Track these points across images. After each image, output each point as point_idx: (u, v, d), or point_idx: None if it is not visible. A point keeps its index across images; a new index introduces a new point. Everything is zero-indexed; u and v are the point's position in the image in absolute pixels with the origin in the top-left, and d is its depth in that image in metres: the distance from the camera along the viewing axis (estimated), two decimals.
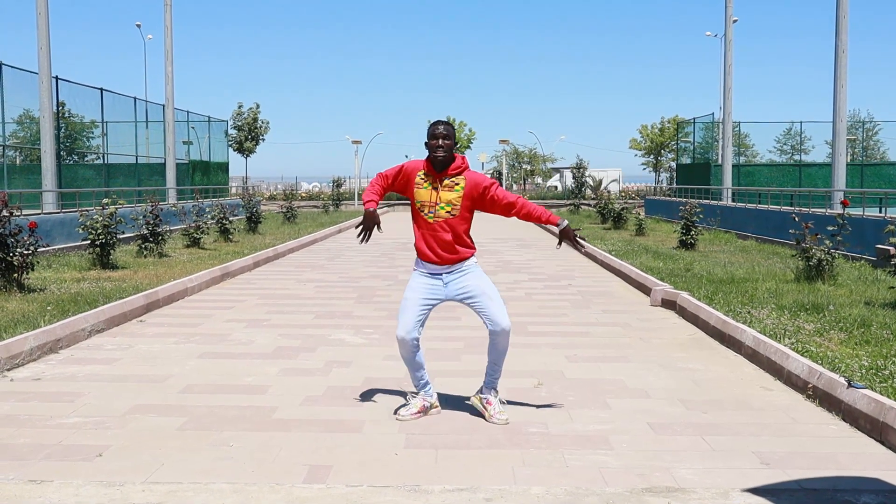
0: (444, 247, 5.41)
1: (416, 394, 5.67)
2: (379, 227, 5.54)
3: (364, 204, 5.54)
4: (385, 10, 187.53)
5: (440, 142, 5.31)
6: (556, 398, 6.08)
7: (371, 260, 16.24)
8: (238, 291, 11.83)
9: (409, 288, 5.52)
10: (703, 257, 15.48)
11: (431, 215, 5.37)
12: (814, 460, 4.75)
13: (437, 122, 5.39)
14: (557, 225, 5.56)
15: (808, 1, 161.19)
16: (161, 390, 6.26)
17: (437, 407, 5.66)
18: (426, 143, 5.38)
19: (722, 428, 5.36)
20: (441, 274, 5.46)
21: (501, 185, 32.83)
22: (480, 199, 5.45)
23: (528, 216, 5.56)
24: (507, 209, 5.52)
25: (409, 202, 5.54)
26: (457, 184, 5.38)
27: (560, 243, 5.81)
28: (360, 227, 5.53)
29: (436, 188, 5.36)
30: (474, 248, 5.58)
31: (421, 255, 5.48)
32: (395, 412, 5.58)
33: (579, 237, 5.66)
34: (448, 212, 5.36)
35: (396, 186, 5.53)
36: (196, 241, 17.57)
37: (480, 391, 5.66)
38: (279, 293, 11.59)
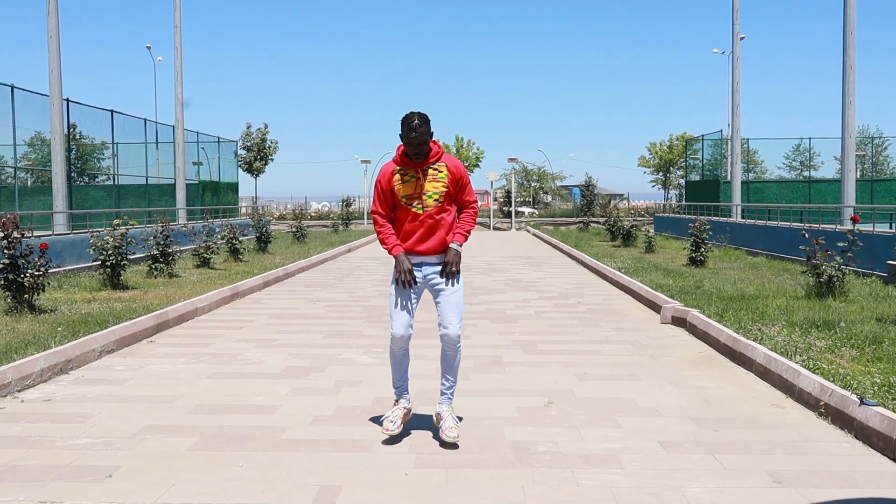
0: (433, 238, 5.39)
1: (397, 402, 5.62)
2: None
3: (390, 250, 5.44)
4: (393, 30, 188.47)
5: (414, 125, 5.19)
6: (566, 417, 6.05)
7: (380, 279, 16.25)
8: (248, 311, 11.85)
9: (393, 285, 5.47)
10: (713, 274, 15.44)
11: (420, 206, 5.33)
12: (827, 479, 4.72)
13: (411, 113, 5.26)
14: (449, 245, 5.45)
15: (816, 17, 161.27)
16: (171, 411, 6.26)
17: (411, 409, 5.71)
18: (401, 135, 5.27)
19: (733, 446, 5.33)
20: (423, 265, 5.45)
21: (511, 203, 32.54)
22: (458, 185, 5.43)
23: (461, 218, 5.51)
24: (461, 204, 5.50)
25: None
26: (439, 171, 5.35)
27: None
28: (400, 275, 5.40)
29: (418, 179, 5.32)
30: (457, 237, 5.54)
31: (408, 248, 5.42)
32: (382, 425, 5.52)
33: (453, 268, 5.41)
34: (436, 200, 5.33)
35: (390, 202, 5.46)
36: (206, 262, 17.62)
37: (438, 405, 5.58)
38: (289, 313, 11.60)
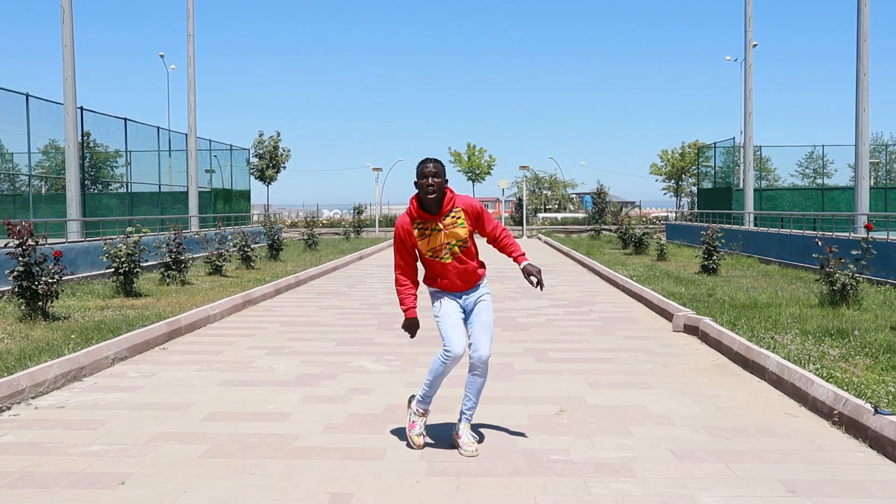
0: (465, 277, 5.42)
1: (423, 410, 5.60)
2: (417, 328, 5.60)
3: (405, 311, 5.51)
4: (405, 39, 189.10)
5: (430, 180, 5.19)
6: (578, 425, 6.04)
7: (392, 287, 16.23)
8: (260, 319, 11.87)
9: (442, 307, 5.45)
10: (726, 282, 15.38)
11: (448, 256, 5.33)
12: (841, 488, 4.69)
13: (426, 161, 5.26)
14: (519, 264, 5.53)
15: (829, 25, 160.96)
16: (183, 418, 6.28)
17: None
18: (416, 183, 5.29)
19: (746, 455, 5.31)
20: (461, 296, 5.48)
21: (522, 210, 32.46)
22: (478, 221, 5.44)
23: (503, 248, 5.59)
24: (490, 234, 5.57)
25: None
26: (458, 217, 5.33)
27: (530, 279, 5.60)
28: (411, 329, 5.56)
29: (440, 230, 5.30)
30: (485, 266, 5.60)
31: (442, 289, 5.45)
32: (412, 440, 5.51)
33: (539, 279, 5.50)
34: (461, 247, 5.34)
35: (412, 254, 5.45)
36: (218, 269, 17.66)
37: (457, 424, 5.57)
38: (300, 320, 11.62)
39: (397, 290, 5.53)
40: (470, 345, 5.41)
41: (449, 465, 5.11)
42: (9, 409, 6.54)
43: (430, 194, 5.20)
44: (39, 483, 4.81)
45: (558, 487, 4.71)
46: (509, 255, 5.60)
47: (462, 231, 5.31)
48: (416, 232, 5.33)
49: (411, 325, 5.54)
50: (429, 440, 5.60)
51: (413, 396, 5.69)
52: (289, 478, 4.89)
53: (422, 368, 8.02)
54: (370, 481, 4.83)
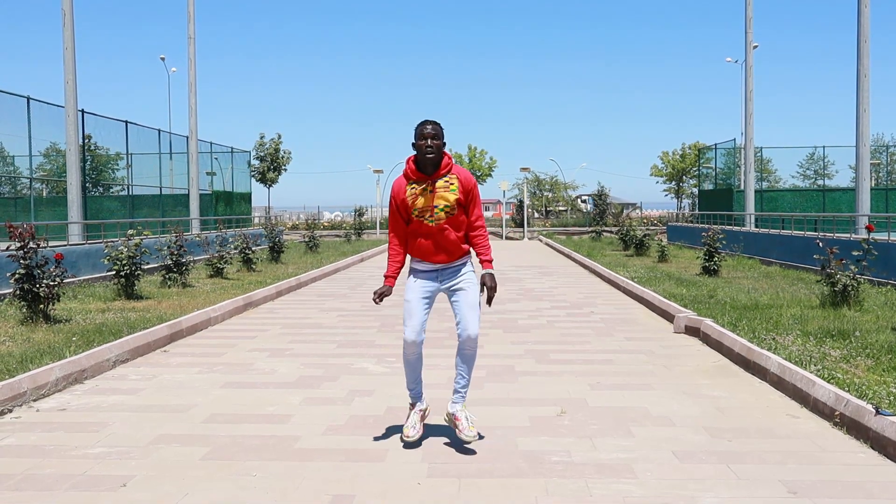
0: (447, 248, 5.42)
1: (413, 406, 5.68)
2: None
3: (385, 278, 5.59)
4: (405, 41, 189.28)
5: (429, 141, 5.26)
6: (579, 426, 6.04)
7: (394, 288, 16.21)
8: (261, 321, 11.88)
9: (408, 290, 5.52)
10: (727, 283, 15.38)
11: (432, 219, 5.35)
12: (842, 489, 4.69)
13: (425, 122, 5.33)
14: (483, 268, 5.52)
15: (829, 26, 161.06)
16: (185, 420, 6.28)
17: (429, 408, 5.79)
18: (414, 144, 5.34)
19: (748, 456, 5.31)
20: (438, 272, 5.49)
21: (523, 211, 32.41)
22: (469, 196, 5.46)
23: (475, 244, 5.54)
24: (471, 223, 5.53)
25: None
26: (451, 183, 5.38)
27: (483, 287, 5.56)
28: (380, 294, 5.54)
29: (431, 191, 5.34)
30: (469, 248, 5.59)
31: (423, 258, 5.47)
32: (402, 436, 5.56)
33: (490, 295, 5.47)
34: (448, 212, 5.36)
35: (405, 216, 5.48)
36: (219, 271, 17.68)
37: (450, 405, 5.62)
38: (302, 322, 11.62)
39: (388, 253, 5.59)
40: (458, 323, 5.45)
41: (450, 467, 5.11)
42: (10, 411, 6.54)
43: (429, 154, 5.27)
44: (41, 485, 4.81)
45: (559, 488, 4.72)
46: (478, 254, 5.57)
47: (451, 196, 5.35)
48: (409, 191, 5.37)
49: (384, 292, 5.54)
50: (428, 440, 5.61)
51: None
52: (290, 479, 4.90)
53: (424, 370, 8.00)
54: (371, 483, 4.84)
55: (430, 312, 5.65)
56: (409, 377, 5.68)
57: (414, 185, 5.39)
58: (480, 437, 5.51)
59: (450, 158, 5.43)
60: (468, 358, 5.52)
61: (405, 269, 5.68)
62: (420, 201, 5.36)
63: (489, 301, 5.50)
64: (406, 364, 5.62)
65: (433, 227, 5.37)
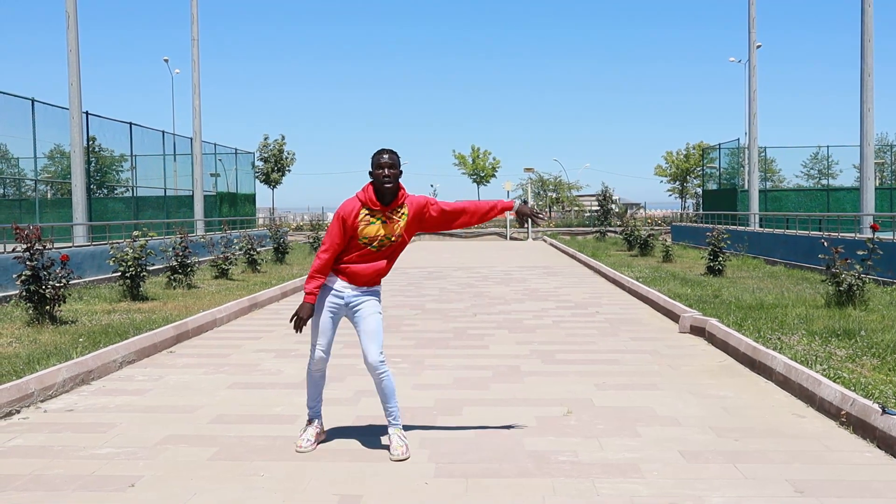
0: (373, 273, 5.40)
1: (311, 422, 5.65)
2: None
3: (306, 294, 5.42)
4: (408, 42, 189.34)
5: (386, 171, 5.22)
6: (585, 426, 6.05)
7: (398, 290, 16.27)
8: (266, 321, 11.90)
9: (317, 312, 5.46)
10: (732, 283, 15.38)
11: (376, 246, 5.34)
12: (848, 488, 4.69)
13: (382, 151, 5.29)
14: (512, 208, 5.53)
15: (833, 25, 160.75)
16: (192, 421, 6.30)
17: (324, 433, 5.76)
18: (371, 173, 5.31)
19: (754, 455, 5.31)
20: (346, 292, 5.43)
21: None
22: (422, 218, 5.44)
23: (483, 215, 5.56)
24: (453, 217, 5.53)
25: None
26: (403, 215, 5.36)
27: (522, 223, 5.62)
28: (295, 318, 5.43)
29: (385, 222, 5.32)
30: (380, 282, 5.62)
31: (350, 280, 5.41)
32: (297, 445, 5.53)
33: (536, 213, 5.54)
34: (393, 241, 5.38)
35: (346, 237, 5.38)
36: (224, 272, 17.70)
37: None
38: (308, 323, 11.60)
39: (314, 272, 5.42)
40: (363, 349, 5.40)
41: (457, 467, 5.12)
42: (18, 412, 6.56)
43: (387, 184, 5.23)
44: (50, 486, 4.83)
45: (566, 488, 4.72)
46: (487, 210, 5.57)
47: (399, 228, 5.36)
48: (361, 217, 5.32)
49: (306, 312, 5.43)
50: (435, 441, 5.61)
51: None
52: (297, 480, 4.91)
53: (429, 371, 8.04)
54: (379, 483, 4.85)
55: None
56: (311, 394, 5.64)
57: (367, 213, 5.33)
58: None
59: (403, 189, 5.42)
60: (382, 382, 5.40)
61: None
62: (370, 229, 5.32)
63: (535, 216, 5.51)
64: (310, 381, 5.59)
65: (375, 252, 5.36)
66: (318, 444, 5.60)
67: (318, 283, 5.40)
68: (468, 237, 45.57)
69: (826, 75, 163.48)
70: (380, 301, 5.56)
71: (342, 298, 5.44)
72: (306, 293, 5.40)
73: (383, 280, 5.64)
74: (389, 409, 5.47)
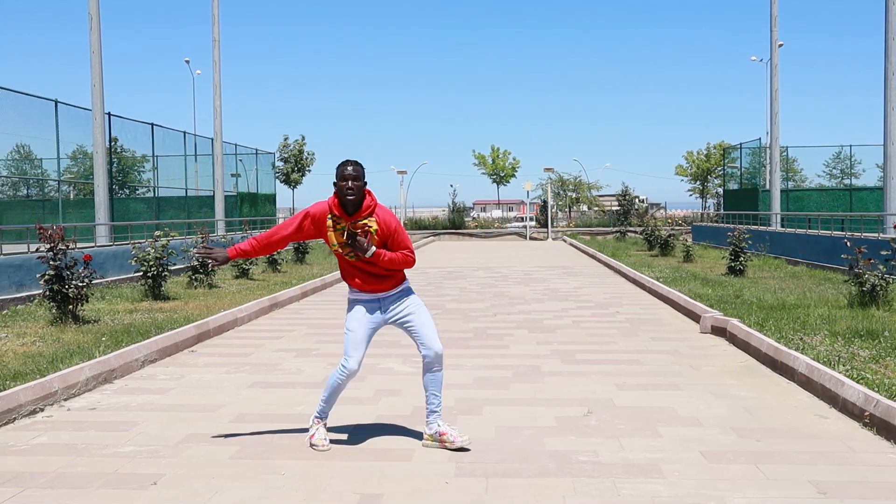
0: (373, 279, 5.39)
1: (319, 419, 5.64)
2: (214, 266, 5.51)
3: (230, 248, 5.50)
4: (428, 42, 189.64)
5: (349, 183, 5.16)
6: (606, 426, 6.03)
7: (418, 289, 16.22)
8: (287, 321, 11.94)
9: (352, 319, 5.47)
10: (753, 283, 15.28)
11: (353, 255, 5.33)
12: (872, 490, 4.65)
13: (346, 163, 5.24)
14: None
15: (855, 24, 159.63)
16: (213, 419, 6.33)
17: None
18: (335, 184, 5.26)
19: (776, 456, 5.28)
20: (378, 300, 5.46)
21: (547, 212, 32.14)
22: (390, 239, 5.37)
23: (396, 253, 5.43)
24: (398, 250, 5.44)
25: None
26: (369, 226, 5.28)
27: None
28: (211, 253, 5.47)
29: (344, 231, 5.31)
30: (405, 275, 5.58)
31: (354, 286, 5.46)
32: (314, 444, 5.54)
33: (359, 236, 5.28)
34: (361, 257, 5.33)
35: (304, 235, 5.43)
36: (245, 272, 17.78)
37: (428, 427, 5.56)
38: (327, 322, 11.67)
39: (254, 238, 5.53)
40: (420, 345, 5.44)
41: (477, 466, 5.12)
42: (42, 410, 6.63)
43: (350, 196, 5.18)
44: (73, 484, 4.87)
45: (587, 488, 4.71)
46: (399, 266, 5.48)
47: (371, 241, 5.29)
48: (329, 223, 5.34)
49: (220, 257, 5.47)
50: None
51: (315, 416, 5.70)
52: (318, 479, 4.92)
53: (449, 370, 8.01)
54: (399, 482, 4.86)
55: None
56: (332, 398, 5.59)
57: (334, 219, 5.33)
58: (469, 449, 5.44)
59: (372, 199, 5.34)
60: (437, 375, 5.48)
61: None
62: (339, 236, 5.33)
63: (351, 242, 5.27)
64: (335, 387, 5.53)
65: (354, 261, 5.36)
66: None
67: (244, 245, 5.52)
68: (488, 237, 45.56)
69: (849, 74, 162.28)
70: (415, 294, 5.59)
71: (377, 309, 5.47)
72: (235, 245, 5.55)
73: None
74: (439, 400, 5.52)
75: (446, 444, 5.45)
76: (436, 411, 5.53)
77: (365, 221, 5.29)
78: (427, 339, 5.41)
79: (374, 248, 5.24)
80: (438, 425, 5.52)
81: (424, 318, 5.45)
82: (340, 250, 5.36)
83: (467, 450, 5.41)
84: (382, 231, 5.32)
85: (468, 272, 20.64)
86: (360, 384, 7.52)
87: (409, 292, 5.55)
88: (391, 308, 5.48)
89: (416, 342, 5.47)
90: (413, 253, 5.47)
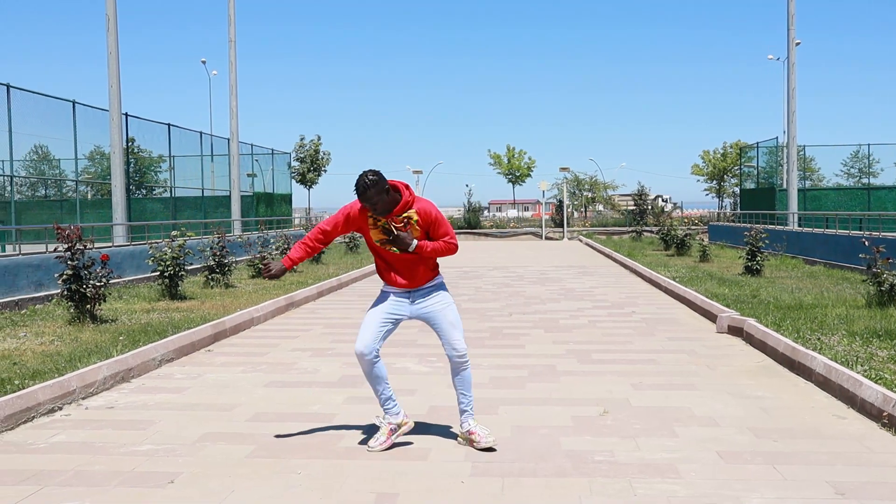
0: (410, 273, 5.41)
1: (383, 417, 5.64)
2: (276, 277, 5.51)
3: (284, 259, 5.50)
4: (443, 42, 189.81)
5: (372, 202, 5.15)
6: (622, 426, 6.01)
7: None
8: (303, 321, 11.97)
9: (376, 302, 5.51)
10: (770, 283, 15.21)
11: (395, 250, 5.36)
12: (891, 490, 4.62)
13: (363, 174, 5.16)
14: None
15: (873, 23, 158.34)
16: (230, 419, 6.36)
17: (406, 423, 5.63)
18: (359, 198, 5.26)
19: (794, 457, 5.25)
20: (408, 293, 5.48)
21: (563, 212, 32.16)
22: (430, 228, 5.39)
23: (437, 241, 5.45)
24: (439, 238, 5.46)
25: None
26: (410, 218, 5.31)
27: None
28: (270, 271, 5.47)
29: (388, 226, 5.33)
30: (438, 270, 5.60)
31: (388, 282, 5.49)
32: (367, 444, 5.55)
33: (395, 233, 5.29)
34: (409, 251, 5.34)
35: (347, 230, 5.46)
36: (261, 272, 17.79)
37: (461, 425, 5.59)
38: (343, 322, 11.69)
39: (304, 240, 5.53)
40: (444, 344, 5.47)
41: (492, 466, 5.12)
42: (60, 409, 6.67)
43: (377, 208, 5.20)
44: (91, 481, 4.90)
45: (603, 488, 4.70)
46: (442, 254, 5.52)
47: (414, 231, 5.32)
48: (370, 220, 5.36)
49: (278, 271, 5.49)
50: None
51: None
52: (334, 478, 4.94)
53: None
54: (415, 481, 4.86)
55: (392, 331, 5.57)
56: (373, 387, 5.55)
57: (372, 217, 5.36)
58: (495, 449, 5.44)
59: (410, 194, 5.34)
60: (464, 374, 5.50)
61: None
62: (379, 233, 5.36)
63: (393, 238, 5.29)
64: (366, 377, 5.52)
65: (396, 254, 5.37)
66: (392, 438, 5.57)
67: (300, 252, 5.49)
68: (503, 237, 45.54)
69: (867, 72, 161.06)
70: (447, 291, 5.60)
71: (406, 299, 5.49)
72: (284, 258, 5.52)
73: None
74: (469, 399, 5.53)
75: (474, 444, 5.46)
76: (466, 410, 5.55)
77: (406, 215, 5.33)
78: (450, 338, 5.43)
79: (415, 242, 5.29)
80: (469, 424, 5.53)
81: (451, 318, 5.46)
82: (382, 245, 5.39)
83: (494, 450, 5.40)
84: (423, 221, 5.36)
85: (484, 271, 20.64)
86: None
87: (440, 287, 5.57)
88: (419, 301, 5.49)
89: (441, 340, 5.49)
90: (454, 239, 5.49)
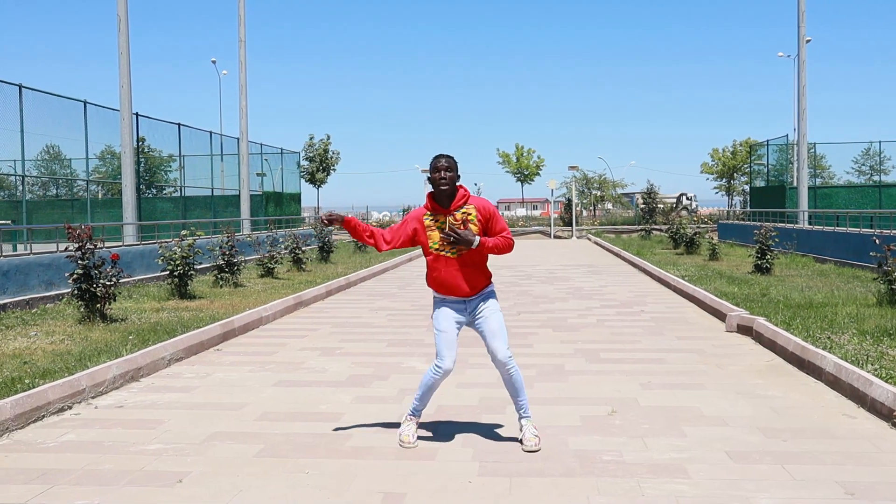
0: (469, 279, 5.44)
1: (413, 417, 5.70)
2: (331, 224, 5.55)
3: (353, 217, 5.58)
4: (452, 41, 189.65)
5: (443, 174, 5.30)
6: (630, 426, 6.00)
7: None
8: (311, 320, 11.99)
9: (442, 319, 5.50)
10: (780, 282, 15.16)
11: (455, 251, 5.37)
12: None
13: (439, 156, 5.37)
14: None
15: (884, 20, 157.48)
16: (238, 418, 6.37)
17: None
18: (429, 178, 5.41)
19: (803, 456, 5.23)
20: (464, 301, 5.52)
21: (572, 210, 32.14)
22: (489, 222, 5.45)
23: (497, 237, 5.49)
24: (496, 234, 5.52)
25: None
26: (469, 214, 5.39)
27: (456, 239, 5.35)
28: (331, 214, 5.55)
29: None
30: (491, 279, 5.65)
31: (446, 292, 5.49)
32: (399, 438, 5.61)
33: (458, 233, 5.28)
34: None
35: (404, 242, 5.49)
36: (270, 271, 17.87)
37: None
38: (352, 321, 11.71)
39: (378, 232, 5.56)
40: (488, 349, 5.48)
41: (500, 466, 5.12)
42: (70, 408, 6.70)
43: (443, 186, 5.30)
44: (101, 480, 4.92)
45: (611, 488, 4.70)
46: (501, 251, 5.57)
47: (472, 228, 5.36)
48: (427, 223, 5.43)
49: (338, 217, 5.53)
50: (480, 439, 5.63)
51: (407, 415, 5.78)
52: (342, 477, 4.94)
53: (472, 370, 8.03)
54: (423, 481, 4.86)
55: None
56: (425, 397, 5.66)
57: (430, 217, 5.44)
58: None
59: (465, 191, 5.46)
60: (513, 377, 5.51)
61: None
62: (436, 235, 5.40)
63: (452, 237, 5.28)
64: (430, 386, 5.59)
65: (454, 258, 5.39)
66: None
67: (365, 229, 5.54)
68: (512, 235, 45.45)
69: (878, 70, 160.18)
70: (496, 299, 5.64)
71: (463, 311, 5.52)
72: (356, 219, 5.58)
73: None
74: (520, 402, 5.56)
75: (522, 446, 5.48)
76: (518, 412, 5.61)
77: (465, 210, 5.39)
78: (491, 346, 5.44)
79: (478, 238, 5.33)
80: (520, 425, 5.58)
81: (493, 326, 5.46)
82: (442, 250, 5.40)
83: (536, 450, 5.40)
84: (482, 215, 5.42)
85: (492, 270, 20.60)
86: (384, 383, 7.55)
87: (492, 295, 5.61)
88: (473, 309, 5.53)
89: (486, 345, 5.50)
90: (511, 235, 5.55)
